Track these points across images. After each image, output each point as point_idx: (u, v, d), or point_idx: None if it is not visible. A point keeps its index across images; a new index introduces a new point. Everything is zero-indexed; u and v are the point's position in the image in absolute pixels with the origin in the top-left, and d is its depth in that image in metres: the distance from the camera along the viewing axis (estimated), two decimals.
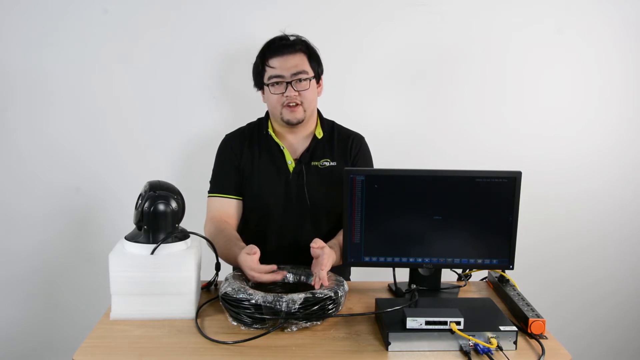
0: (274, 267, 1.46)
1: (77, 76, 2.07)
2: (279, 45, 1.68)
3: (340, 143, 1.77)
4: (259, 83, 1.74)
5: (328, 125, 1.80)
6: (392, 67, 2.14)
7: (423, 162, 2.00)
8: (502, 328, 1.25)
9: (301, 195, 1.71)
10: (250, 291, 1.32)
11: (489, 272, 1.71)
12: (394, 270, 1.60)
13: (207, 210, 1.75)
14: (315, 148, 1.75)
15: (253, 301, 1.28)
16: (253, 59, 1.74)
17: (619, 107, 2.20)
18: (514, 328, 1.25)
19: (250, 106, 1.89)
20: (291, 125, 1.70)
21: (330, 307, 1.34)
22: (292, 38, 1.71)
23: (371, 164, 1.80)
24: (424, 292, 1.57)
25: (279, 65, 1.66)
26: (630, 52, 2.15)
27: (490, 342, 1.22)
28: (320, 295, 1.32)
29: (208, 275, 1.58)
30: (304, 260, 1.52)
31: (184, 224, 1.49)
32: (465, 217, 1.53)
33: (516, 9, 2.10)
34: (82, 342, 1.26)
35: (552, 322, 1.45)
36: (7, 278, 2.18)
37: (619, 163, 2.24)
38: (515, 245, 1.53)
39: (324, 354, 1.23)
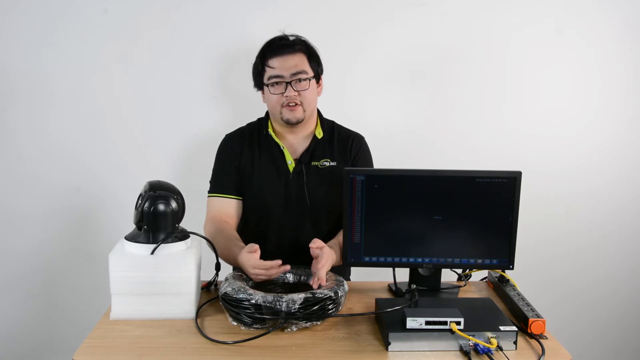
0: (279, 262, 1.43)
1: (77, 76, 2.07)
2: (279, 45, 1.68)
3: (340, 143, 1.77)
4: (259, 83, 1.74)
5: (328, 125, 1.80)
6: (392, 67, 2.14)
7: (423, 162, 2.00)
8: (502, 328, 1.25)
9: (301, 195, 1.71)
10: (250, 291, 1.32)
11: (489, 272, 1.71)
12: (394, 270, 1.60)
13: (207, 210, 1.75)
14: (315, 148, 1.75)
15: (253, 301, 1.28)
16: (253, 59, 1.74)
17: (619, 107, 2.20)
18: (514, 328, 1.25)
19: (250, 106, 1.89)
20: (291, 125, 1.70)
21: (330, 307, 1.34)
22: (291, 38, 1.71)
23: (371, 164, 1.80)
24: (424, 292, 1.57)
25: (278, 65, 1.66)
26: (630, 52, 2.15)
27: (490, 342, 1.22)
28: (320, 295, 1.32)
29: (208, 275, 1.58)
30: (304, 260, 1.52)
31: (184, 224, 1.49)
32: (465, 217, 1.53)
33: (516, 9, 2.10)
34: (82, 342, 1.26)
35: (552, 322, 1.45)
36: (7, 278, 2.18)
37: (619, 163, 2.24)
38: (515, 245, 1.53)
39: (324, 354, 1.23)
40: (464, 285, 1.65)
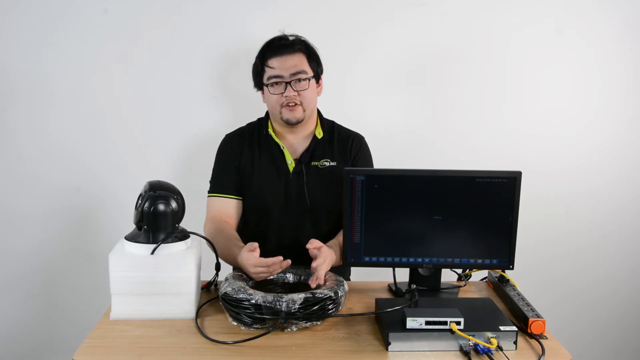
0: (280, 258, 1.42)
1: (77, 76, 2.07)
2: (278, 46, 1.68)
3: (340, 143, 1.77)
4: (259, 83, 1.74)
5: (328, 125, 1.80)
6: (392, 67, 2.14)
7: (423, 162, 2.00)
8: (502, 328, 1.25)
9: (301, 195, 1.71)
10: (250, 291, 1.32)
11: (489, 272, 1.71)
12: (394, 270, 1.60)
13: (207, 210, 1.75)
14: (315, 148, 1.75)
15: (253, 301, 1.28)
16: (253, 59, 1.74)
17: (619, 107, 2.20)
18: (514, 328, 1.25)
19: (250, 106, 1.89)
20: (291, 125, 1.70)
21: (330, 307, 1.34)
22: (291, 38, 1.71)
23: (371, 164, 1.80)
24: (424, 292, 1.57)
25: (278, 66, 1.66)
26: (630, 52, 2.15)
27: (490, 342, 1.22)
28: (320, 295, 1.32)
29: (208, 275, 1.58)
30: (304, 260, 1.52)
31: (184, 224, 1.49)
32: (465, 217, 1.53)
33: (516, 9, 2.10)
34: (82, 342, 1.26)
35: (552, 322, 1.45)
36: (7, 278, 2.18)
37: (619, 163, 2.24)
38: (515, 245, 1.53)
39: (324, 354, 1.23)
40: (464, 285, 1.65)
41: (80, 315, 2.08)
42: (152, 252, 1.37)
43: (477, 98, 2.16)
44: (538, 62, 2.15)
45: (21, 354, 2.25)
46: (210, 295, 1.53)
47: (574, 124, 2.20)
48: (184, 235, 1.44)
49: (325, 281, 1.44)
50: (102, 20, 2.03)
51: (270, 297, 1.28)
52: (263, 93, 1.75)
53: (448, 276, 1.68)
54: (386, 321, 1.28)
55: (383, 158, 1.85)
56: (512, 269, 1.55)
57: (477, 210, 1.53)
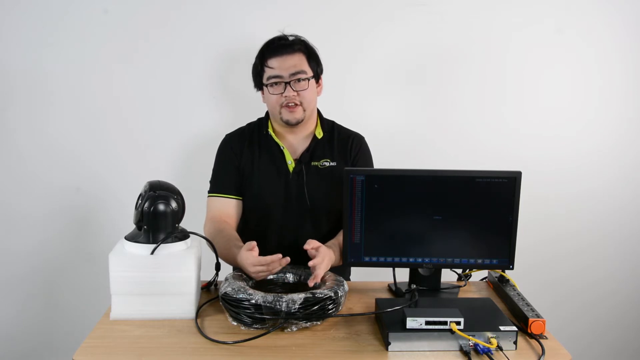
0: (279, 256, 1.42)
1: (77, 76, 2.07)
2: (278, 46, 1.68)
3: (340, 143, 1.77)
4: (259, 83, 1.74)
5: (328, 125, 1.80)
6: (392, 67, 2.14)
7: (423, 162, 2.00)
8: (502, 328, 1.25)
9: (301, 195, 1.71)
10: (250, 291, 1.32)
11: (489, 272, 1.71)
12: (394, 270, 1.60)
13: (207, 210, 1.75)
14: (315, 148, 1.75)
15: (253, 301, 1.28)
16: (253, 59, 1.74)
17: (619, 107, 2.20)
18: (514, 328, 1.25)
19: (250, 106, 1.89)
20: (290, 125, 1.70)
21: (330, 307, 1.34)
22: (290, 38, 1.71)
23: (371, 164, 1.80)
24: (424, 292, 1.57)
25: (277, 66, 1.66)
26: (630, 52, 2.15)
27: (490, 342, 1.22)
28: (320, 295, 1.32)
29: (208, 275, 1.58)
30: (304, 260, 1.51)
31: (184, 224, 1.49)
32: (465, 217, 1.53)
33: (516, 9, 2.10)
34: (82, 342, 1.26)
35: (552, 322, 1.45)
36: (7, 278, 2.19)
37: (619, 163, 2.24)
38: (515, 245, 1.53)
39: (324, 354, 1.23)
40: (464, 285, 1.65)
41: (80, 315, 2.08)
42: (152, 252, 1.37)
43: (477, 98, 2.16)
44: (538, 62, 2.15)
45: (21, 354, 2.25)
46: (210, 295, 1.53)
47: (574, 124, 2.20)
48: (184, 235, 1.44)
49: (325, 281, 1.44)
50: (102, 20, 2.03)
51: (270, 297, 1.28)
52: (263, 93, 1.75)
53: (448, 276, 1.68)
54: (386, 321, 1.28)
55: (383, 158, 1.85)
56: (512, 269, 1.55)
57: (477, 210, 1.53)
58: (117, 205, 2.14)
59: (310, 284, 1.40)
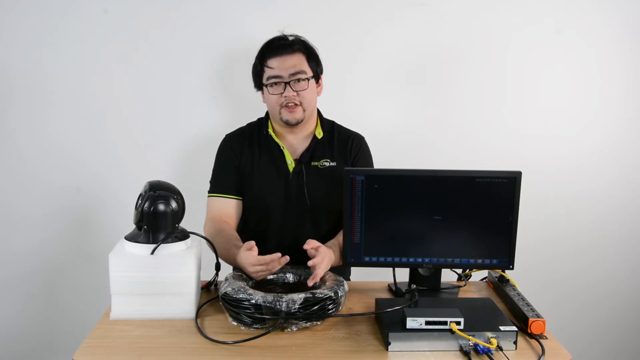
0: (278, 254, 1.41)
1: (77, 76, 2.07)
2: (278, 46, 1.68)
3: (340, 143, 1.77)
4: (258, 83, 1.74)
5: (328, 125, 1.80)
6: (392, 67, 2.14)
7: (423, 162, 2.00)
8: (502, 328, 1.25)
9: (301, 195, 1.71)
10: (250, 291, 1.32)
11: (489, 272, 1.71)
12: (394, 270, 1.60)
13: (207, 210, 1.75)
14: (315, 148, 1.75)
15: (253, 301, 1.28)
16: (253, 59, 1.74)
17: (619, 107, 2.20)
18: (514, 328, 1.25)
19: (250, 106, 1.89)
20: (290, 125, 1.70)
21: (330, 307, 1.34)
22: (290, 38, 1.71)
23: (371, 164, 1.80)
24: (424, 292, 1.57)
25: (277, 66, 1.66)
26: (630, 52, 2.15)
27: (490, 342, 1.22)
28: (320, 295, 1.32)
29: (208, 275, 1.58)
30: (304, 260, 1.51)
31: (184, 224, 1.49)
32: (465, 217, 1.53)
33: (516, 9, 2.10)
34: (82, 342, 1.26)
35: (552, 322, 1.45)
36: (7, 278, 2.19)
37: (619, 163, 2.24)
38: (515, 245, 1.53)
39: (324, 354, 1.23)
40: (464, 285, 1.65)
41: (80, 315, 2.08)
42: (152, 252, 1.37)
43: (477, 98, 2.16)
44: (538, 62, 2.15)
45: (21, 354, 2.25)
46: (210, 295, 1.53)
47: (574, 124, 2.20)
48: (184, 235, 1.44)
49: (325, 281, 1.44)
50: (102, 20, 2.03)
51: (270, 297, 1.28)
52: (263, 93, 1.75)
53: (448, 276, 1.68)
54: (386, 321, 1.28)
55: (383, 158, 1.85)
56: (512, 269, 1.55)
57: (477, 210, 1.53)
58: (117, 205, 2.14)
59: (310, 283, 1.40)
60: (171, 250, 1.40)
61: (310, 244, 1.46)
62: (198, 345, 1.26)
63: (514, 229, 1.52)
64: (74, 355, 1.20)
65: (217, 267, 1.56)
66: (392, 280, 1.62)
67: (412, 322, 1.24)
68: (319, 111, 1.81)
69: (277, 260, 1.41)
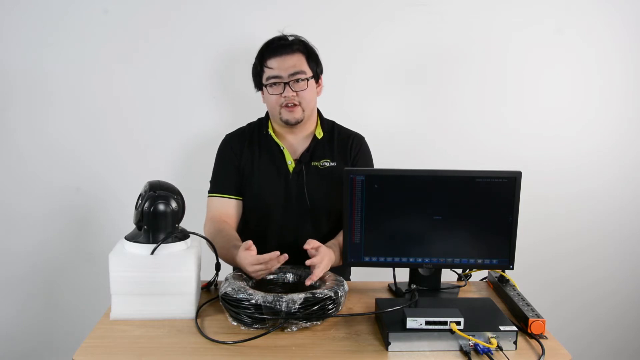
0: (277, 253, 1.41)
1: (77, 76, 2.07)
2: (277, 46, 1.68)
3: (340, 143, 1.77)
4: (258, 84, 1.74)
5: (328, 126, 1.80)
6: (392, 67, 2.14)
7: (423, 162, 2.00)
8: (502, 328, 1.25)
9: (301, 195, 1.71)
10: (250, 291, 1.32)
11: (489, 272, 1.71)
12: (394, 270, 1.60)
13: (207, 210, 1.75)
14: (315, 148, 1.75)
15: (253, 301, 1.28)
16: (253, 59, 1.74)
17: (619, 107, 2.20)
18: (514, 328, 1.25)
19: (250, 106, 1.89)
20: (290, 125, 1.70)
21: (330, 307, 1.34)
22: (290, 38, 1.71)
23: (371, 164, 1.80)
24: (424, 292, 1.57)
25: (276, 66, 1.66)
26: (630, 52, 2.15)
27: (490, 342, 1.22)
28: (320, 295, 1.32)
29: (208, 275, 1.58)
30: (304, 261, 1.51)
31: (184, 224, 1.49)
32: (465, 217, 1.53)
33: (516, 9, 2.10)
34: (82, 342, 1.26)
35: (552, 322, 1.45)
36: (7, 278, 2.18)
37: (619, 163, 2.24)
38: (515, 245, 1.53)
39: (324, 354, 1.23)
40: (464, 285, 1.65)
41: (80, 315, 2.08)
42: (152, 252, 1.37)
43: (477, 98, 2.16)
44: (538, 62, 2.15)
45: (21, 354, 2.25)
46: (210, 295, 1.53)
47: (574, 124, 2.20)
48: (184, 235, 1.44)
49: (325, 281, 1.44)
50: (102, 20, 2.03)
51: (270, 297, 1.28)
52: (263, 93, 1.75)
53: (448, 276, 1.68)
54: (386, 321, 1.28)
55: (383, 158, 1.85)
56: (512, 269, 1.55)
57: (477, 210, 1.53)
58: (117, 205, 2.14)
59: (308, 283, 1.40)
60: (171, 250, 1.40)
61: (311, 244, 1.46)
62: (198, 345, 1.26)
63: (514, 229, 1.52)
64: (74, 355, 1.20)
65: (217, 267, 1.56)
66: (392, 280, 1.62)
67: (412, 322, 1.24)
68: (319, 111, 1.81)
69: (275, 258, 1.41)
